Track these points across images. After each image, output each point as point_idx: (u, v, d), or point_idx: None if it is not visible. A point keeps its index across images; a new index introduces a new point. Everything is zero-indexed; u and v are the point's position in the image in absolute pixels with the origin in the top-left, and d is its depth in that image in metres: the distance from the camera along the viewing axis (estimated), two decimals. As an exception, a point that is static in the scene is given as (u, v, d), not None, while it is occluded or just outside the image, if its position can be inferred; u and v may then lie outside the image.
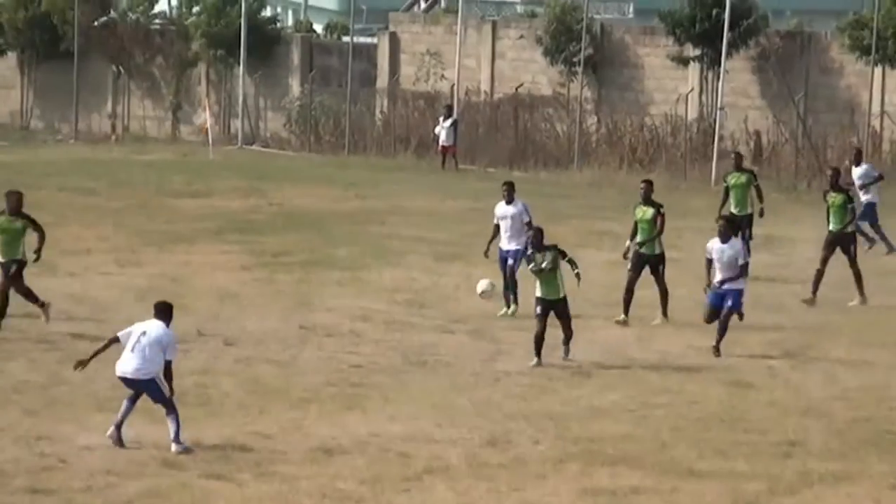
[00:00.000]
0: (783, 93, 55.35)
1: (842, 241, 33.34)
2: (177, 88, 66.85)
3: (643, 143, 57.48)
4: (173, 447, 21.87)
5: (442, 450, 22.81)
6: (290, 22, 75.21)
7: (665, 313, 30.94)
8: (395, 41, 63.67)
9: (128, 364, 22.18)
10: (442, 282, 32.03)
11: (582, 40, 57.39)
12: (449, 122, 57.19)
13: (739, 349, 29.10)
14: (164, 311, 22.62)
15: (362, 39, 66.11)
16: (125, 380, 22.30)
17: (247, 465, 21.75)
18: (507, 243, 31.73)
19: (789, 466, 22.45)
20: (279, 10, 70.73)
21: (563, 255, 27.74)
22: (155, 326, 22.38)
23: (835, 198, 33.56)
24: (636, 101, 58.94)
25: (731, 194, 36.15)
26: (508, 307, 31.43)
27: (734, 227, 30.79)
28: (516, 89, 60.09)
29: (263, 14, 67.11)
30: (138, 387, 22.24)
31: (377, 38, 65.18)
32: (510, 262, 31.42)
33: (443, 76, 61.22)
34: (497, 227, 32.01)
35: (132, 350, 22.17)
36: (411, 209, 32.95)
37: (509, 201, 32.02)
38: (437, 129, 57.70)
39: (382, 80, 63.45)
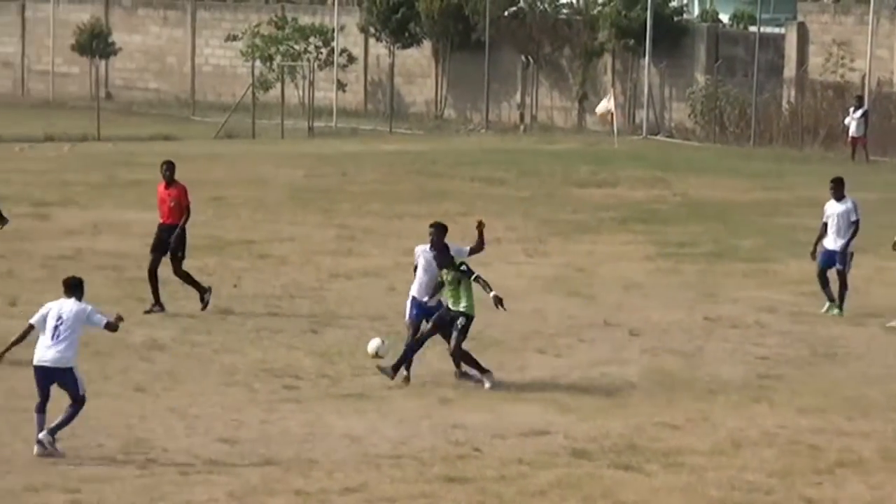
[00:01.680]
0: None
1: None
2: (583, 78, 67.06)
3: None
4: (41, 435, 20.67)
5: (854, 442, 22.46)
6: (696, 12, 74.93)
7: None
8: (803, 31, 63.03)
9: (46, 352, 20.86)
10: (853, 274, 31.54)
11: None
12: (859, 112, 56.56)
13: None
14: (73, 287, 21.31)
15: (769, 29, 65.69)
16: (43, 369, 20.85)
17: (654, 455, 21.67)
18: (831, 242, 30.83)
19: None
20: (685, 0, 70.49)
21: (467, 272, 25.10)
22: (68, 306, 21.11)
23: None
24: None
25: None
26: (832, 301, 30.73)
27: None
28: (931, 80, 59.10)
29: (671, 4, 66.90)
30: (55, 377, 20.85)
31: (785, 28, 64.70)
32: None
33: (852, 67, 60.36)
34: (825, 225, 31.18)
35: (51, 337, 20.86)
36: (819, 200, 32.47)
37: (839, 198, 31.10)
38: (846, 120, 57.15)
39: (790, 70, 62.91)
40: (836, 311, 30.47)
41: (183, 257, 30.24)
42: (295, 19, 71.21)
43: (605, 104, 62.51)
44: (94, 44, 74.34)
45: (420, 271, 25.62)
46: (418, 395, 24.43)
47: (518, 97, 68.56)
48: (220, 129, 63.39)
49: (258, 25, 71.13)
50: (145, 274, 32.41)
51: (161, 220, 30.45)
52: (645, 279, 33.83)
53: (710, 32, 65.92)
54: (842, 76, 60.91)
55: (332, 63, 69.83)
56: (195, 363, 26.11)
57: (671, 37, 64.84)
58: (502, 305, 24.81)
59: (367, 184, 47.99)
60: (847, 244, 30.54)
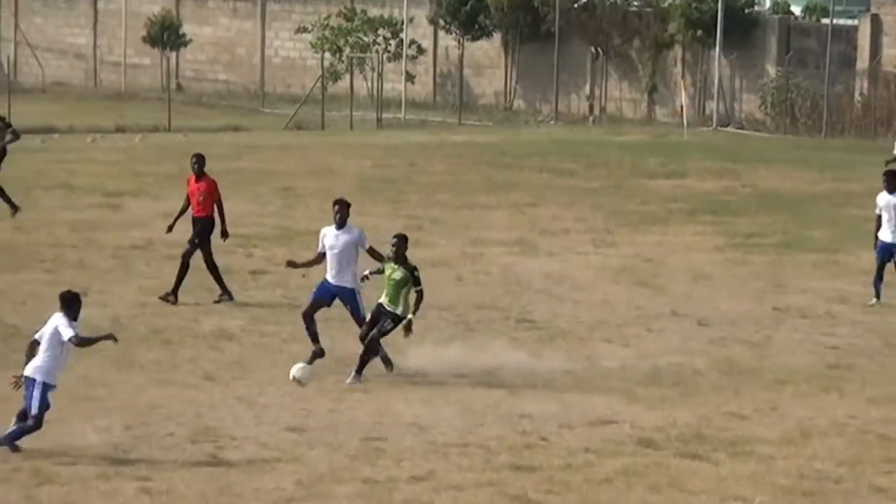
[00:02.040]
0: None
1: None
2: (653, 70, 66.93)
3: None
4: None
5: (923, 434, 22.42)
6: (767, 4, 74.65)
7: None
8: (876, 23, 62.80)
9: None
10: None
11: None
12: (932, 103, 56.55)
13: None
14: (64, 302, 20.38)
15: (842, 21, 65.37)
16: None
17: (722, 444, 21.65)
18: (888, 234, 30.65)
19: None
20: (757, -9, 70.63)
21: (416, 280, 24.45)
22: (51, 322, 20.35)
23: None
24: None
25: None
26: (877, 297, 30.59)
27: None
28: None
29: (742, -4, 66.86)
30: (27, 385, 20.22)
31: (858, 19, 64.40)
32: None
33: (926, 57, 60.30)
34: (879, 217, 31.01)
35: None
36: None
37: (891, 191, 30.89)
38: (919, 111, 57.15)
39: (862, 62, 62.67)
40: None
41: (197, 246, 30.07)
42: (364, 11, 71.32)
43: (681, 98, 62.81)
44: (165, 35, 74.60)
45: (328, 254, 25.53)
46: (485, 385, 24.45)
47: (587, 88, 68.48)
48: (290, 120, 63.56)
49: (328, 17, 71.27)
50: (216, 264, 32.56)
51: (193, 214, 30.43)
52: (713, 270, 33.77)
53: (781, 24, 65.73)
54: (917, 68, 60.81)
55: (401, 55, 69.86)
56: (264, 352, 26.21)
57: (742, 28, 64.67)
58: (410, 331, 24.24)
59: (435, 174, 48.05)
60: None
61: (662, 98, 66.72)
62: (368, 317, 24.52)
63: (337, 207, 25.74)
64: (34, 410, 19.23)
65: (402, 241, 24.20)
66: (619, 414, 22.60)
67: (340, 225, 25.63)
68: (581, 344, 27.22)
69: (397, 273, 23.81)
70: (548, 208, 39.61)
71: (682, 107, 62.95)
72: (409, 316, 24.04)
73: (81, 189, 41.43)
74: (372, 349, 24.23)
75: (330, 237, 25.65)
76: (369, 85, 68.50)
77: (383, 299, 24.35)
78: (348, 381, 24.04)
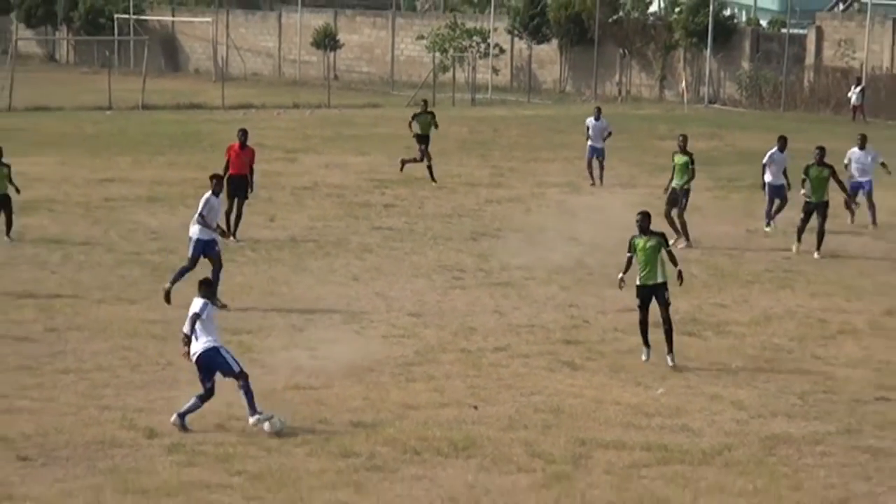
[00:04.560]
0: None
1: None
2: (662, 65, 66.39)
3: None
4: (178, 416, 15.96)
5: (850, 317, 22.21)
6: (743, 18, 73.82)
7: None
8: (819, 32, 62.06)
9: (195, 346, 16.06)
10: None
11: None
12: (859, 88, 56.46)
13: None
14: (201, 286, 16.39)
15: (795, 31, 64.65)
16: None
17: (709, 326, 21.53)
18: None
19: None
20: (736, 10, 70.08)
21: (666, 243, 19.54)
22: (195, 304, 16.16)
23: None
24: None
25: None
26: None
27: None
28: (908, 64, 58.20)
29: (725, 13, 66.18)
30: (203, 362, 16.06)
31: (807, 29, 63.69)
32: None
33: (853, 57, 59.65)
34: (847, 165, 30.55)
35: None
36: (832, 149, 31.98)
37: (862, 147, 30.48)
38: (849, 94, 56.79)
39: (809, 59, 62.00)
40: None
41: (245, 197, 27.54)
42: (463, 23, 71.01)
43: (683, 84, 62.59)
44: (326, 41, 74.54)
45: None
46: (546, 284, 24.40)
47: (617, 77, 67.96)
48: (411, 99, 63.32)
49: (438, 28, 70.98)
50: (360, 200, 32.39)
51: (231, 172, 27.10)
52: (704, 203, 33.47)
53: (753, 33, 64.99)
54: (846, 63, 60.13)
55: (489, 54, 69.45)
56: (393, 261, 26.24)
57: (725, 35, 64.01)
58: (682, 279, 19.39)
59: (511, 137, 47.84)
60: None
61: (669, 84, 66.13)
62: (639, 305, 19.25)
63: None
64: (236, 368, 15.72)
65: (645, 217, 19.48)
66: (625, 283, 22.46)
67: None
68: (611, 255, 26.97)
69: (650, 242, 19.11)
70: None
71: (683, 90, 62.73)
72: (678, 267, 19.15)
73: (269, 147, 41.46)
74: (669, 326, 19.12)
75: None
76: (466, 75, 68.18)
77: (640, 278, 19.20)
78: (670, 363, 18.96)
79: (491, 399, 17.33)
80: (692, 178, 28.52)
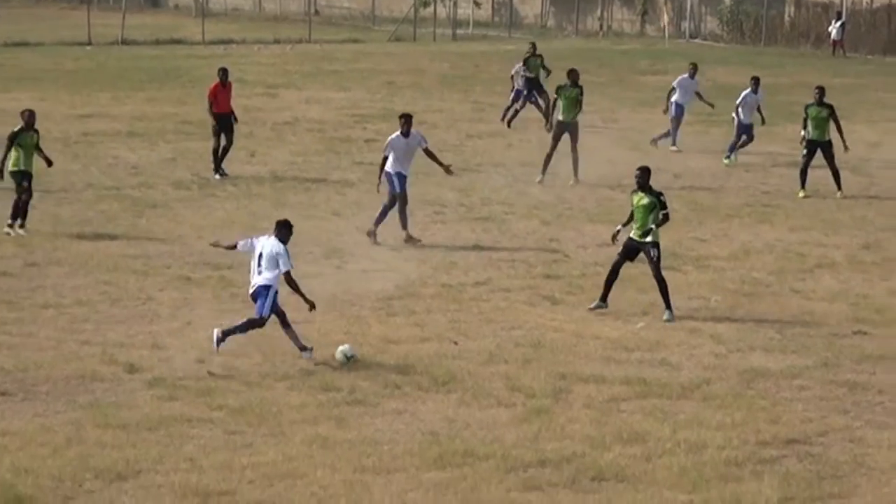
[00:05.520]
0: None
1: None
2: (644, 0, 66.08)
3: None
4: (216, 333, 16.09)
5: (828, 251, 22.24)
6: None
7: None
8: (799, -35, 61.87)
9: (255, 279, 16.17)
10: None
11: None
12: (839, 23, 56.20)
13: None
14: (281, 227, 16.35)
15: (776, -36, 64.40)
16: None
17: (689, 260, 21.54)
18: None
19: None
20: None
21: (663, 206, 18.49)
22: (270, 243, 16.23)
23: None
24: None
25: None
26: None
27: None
28: (891, 0, 57.98)
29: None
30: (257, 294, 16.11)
31: (787, -37, 63.46)
32: None
33: (835, -12, 59.60)
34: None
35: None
36: (811, 83, 32.01)
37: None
38: (830, 28, 56.63)
39: (790, -8, 61.86)
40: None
41: (232, 132, 27.45)
42: (444, -42, 70.62)
43: (664, 18, 62.33)
44: (307, -24, 74.18)
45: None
46: (527, 218, 24.35)
47: (599, 12, 67.63)
48: (392, 34, 63.08)
49: (419, -37, 70.52)
50: (341, 135, 32.28)
51: (216, 110, 27.24)
52: (685, 137, 33.37)
53: (734, -34, 64.80)
54: (827, -3, 60.06)
55: (470, -11, 69.12)
56: (374, 196, 26.04)
57: (706, -31, 63.88)
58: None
59: (492, 73, 47.60)
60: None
61: (651, 19, 65.85)
62: (620, 252, 18.57)
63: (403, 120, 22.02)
64: (265, 312, 15.80)
65: (644, 173, 18.58)
66: (619, 238, 22.43)
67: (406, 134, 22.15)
68: (592, 190, 27.03)
69: (644, 199, 18.32)
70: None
71: (664, 25, 62.37)
72: (654, 227, 18.30)
73: (250, 83, 41.26)
74: (663, 285, 18.28)
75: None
76: (448, 10, 67.78)
77: (633, 232, 18.56)
78: (665, 318, 18.07)
79: (471, 333, 17.33)
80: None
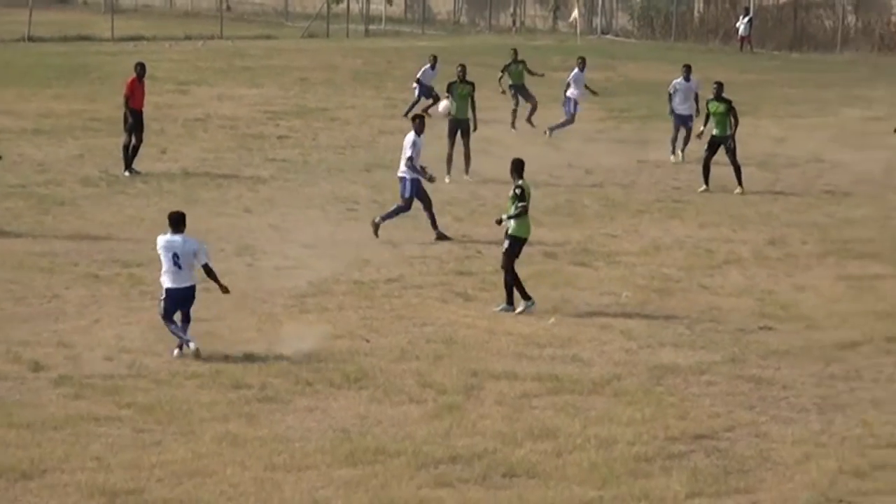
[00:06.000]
0: None
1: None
2: (556, -5, 66.47)
3: (889, 33, 56.29)
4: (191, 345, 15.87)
5: (736, 247, 22.45)
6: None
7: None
8: (709, -38, 62.49)
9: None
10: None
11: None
12: (747, 18, 56.80)
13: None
14: (180, 222, 16.19)
15: (686, -39, 64.98)
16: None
17: (601, 256, 21.66)
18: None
19: None
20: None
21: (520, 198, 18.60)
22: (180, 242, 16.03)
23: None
24: (886, 4, 57.57)
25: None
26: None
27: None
28: (796, -5, 58.93)
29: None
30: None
31: (696, -41, 64.03)
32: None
33: (743, -14, 60.29)
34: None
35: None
36: (719, 78, 32.24)
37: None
38: (737, 24, 57.21)
39: (700, -11, 62.45)
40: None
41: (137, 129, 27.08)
42: (357, -46, 70.43)
43: (574, 14, 62.47)
44: (218, -28, 73.73)
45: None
46: (439, 215, 24.28)
47: (511, 9, 67.83)
48: (305, 31, 62.89)
49: (331, -41, 70.27)
50: (253, 132, 32.14)
51: (134, 106, 26.94)
52: (597, 135, 33.68)
53: (645, -37, 65.20)
54: (736, -7, 60.67)
55: (383, -15, 69.06)
56: (286, 193, 26.08)
57: (618, -34, 64.24)
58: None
59: (405, 69, 47.53)
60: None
61: (563, 15, 66.15)
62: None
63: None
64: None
65: (515, 164, 18.78)
66: (532, 234, 22.49)
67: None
68: (505, 186, 26.96)
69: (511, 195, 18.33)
70: (483, 92, 38.92)
71: (576, 21, 62.61)
72: (505, 216, 18.55)
73: (161, 79, 40.93)
74: (508, 276, 18.32)
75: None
76: (360, 5, 67.67)
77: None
78: (498, 308, 18.27)
79: (383, 330, 17.32)
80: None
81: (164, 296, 15.98)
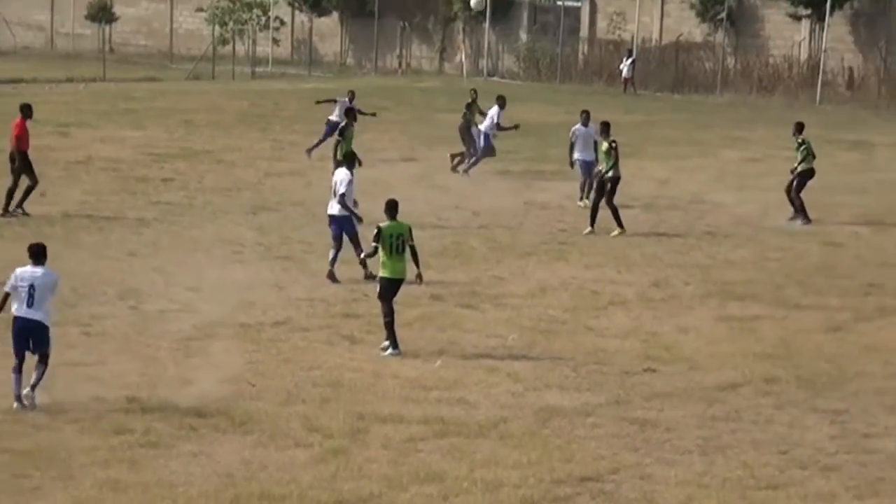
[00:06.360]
0: (870, 40, 54.90)
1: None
2: (443, 37, 66.72)
3: (767, 75, 57.22)
4: (30, 392, 15.45)
5: (621, 289, 22.64)
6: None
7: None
8: (593, 4, 63.12)
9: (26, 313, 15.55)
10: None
11: (724, 4, 57.02)
12: (629, 60, 57.51)
13: (834, 218, 28.54)
14: (38, 255, 15.98)
15: (570, 3, 65.46)
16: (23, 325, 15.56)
17: (487, 298, 21.74)
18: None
19: (869, 302, 21.96)
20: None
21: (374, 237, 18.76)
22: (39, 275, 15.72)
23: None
24: (763, 46, 58.54)
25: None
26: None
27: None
28: (678, 38, 59.53)
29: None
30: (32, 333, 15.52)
31: (580, 2, 64.60)
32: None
33: (625, 29, 60.90)
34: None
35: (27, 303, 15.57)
36: (603, 119, 32.62)
37: (585, 124, 30.20)
38: (621, 66, 57.87)
39: (584, 31, 63.02)
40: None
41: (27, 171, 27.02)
42: (243, -4, 70.45)
43: (461, 55, 62.93)
44: (101, 13, 73.14)
45: None
46: (325, 257, 24.20)
47: (398, 50, 68.08)
48: (190, 73, 62.59)
49: (219, 1, 70.06)
50: (137, 174, 31.85)
51: (22, 148, 26.89)
52: (483, 177, 33.77)
53: (530, 5, 65.61)
54: (618, 36, 61.25)
55: (269, 26, 68.92)
56: (171, 236, 25.88)
57: (503, 8, 64.53)
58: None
59: (291, 111, 47.55)
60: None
61: (449, 56, 66.53)
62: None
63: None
64: (50, 350, 15.67)
65: (387, 204, 18.91)
66: (428, 277, 22.55)
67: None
68: (391, 228, 27.07)
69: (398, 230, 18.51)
70: (371, 134, 39.28)
71: (462, 63, 63.04)
72: (418, 270, 18.67)
73: (41, 122, 40.32)
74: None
75: None
76: (247, 48, 67.53)
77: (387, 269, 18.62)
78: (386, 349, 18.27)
79: (269, 374, 17.24)
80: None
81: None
